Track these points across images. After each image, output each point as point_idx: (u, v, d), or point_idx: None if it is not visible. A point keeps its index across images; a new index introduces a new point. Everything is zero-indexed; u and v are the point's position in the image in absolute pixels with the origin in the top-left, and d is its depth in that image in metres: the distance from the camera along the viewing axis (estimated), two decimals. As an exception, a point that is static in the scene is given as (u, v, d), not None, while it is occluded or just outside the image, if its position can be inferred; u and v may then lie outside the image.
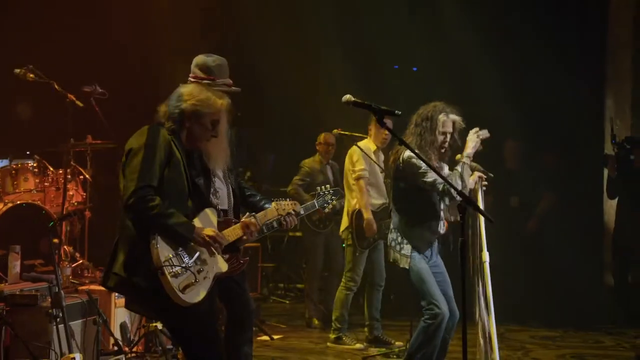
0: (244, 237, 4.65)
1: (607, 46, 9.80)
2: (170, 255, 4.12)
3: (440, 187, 5.44)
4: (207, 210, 4.46)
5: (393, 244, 5.71)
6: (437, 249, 5.84)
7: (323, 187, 5.27)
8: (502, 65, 9.46)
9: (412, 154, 5.40)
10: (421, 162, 5.32)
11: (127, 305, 4.61)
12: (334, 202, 5.24)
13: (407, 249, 5.61)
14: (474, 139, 5.63)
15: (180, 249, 4.19)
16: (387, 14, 10.38)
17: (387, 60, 10.88)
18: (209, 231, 4.29)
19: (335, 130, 7.84)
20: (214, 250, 4.31)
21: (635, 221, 8.73)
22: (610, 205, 9.42)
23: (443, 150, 5.68)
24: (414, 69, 11.18)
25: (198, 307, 4.18)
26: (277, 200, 4.99)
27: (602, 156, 9.30)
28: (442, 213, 5.74)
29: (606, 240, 9.61)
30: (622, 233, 8.97)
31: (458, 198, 5.07)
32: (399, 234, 5.69)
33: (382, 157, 7.75)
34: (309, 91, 10.29)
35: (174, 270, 4.09)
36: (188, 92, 4.41)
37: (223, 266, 4.44)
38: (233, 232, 4.58)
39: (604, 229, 9.69)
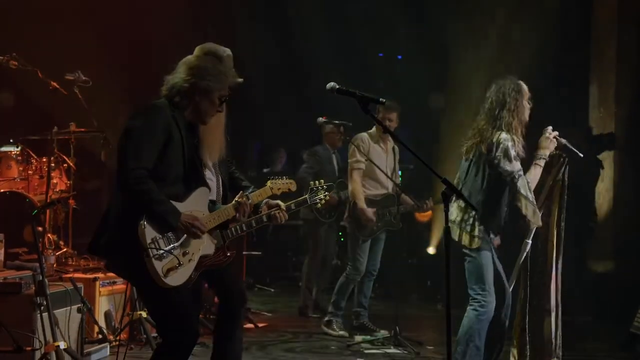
0: (237, 216, 4.61)
1: (592, 34, 9.82)
2: (157, 237, 4.09)
3: (515, 179, 5.41)
4: (201, 189, 4.38)
5: (463, 225, 5.60)
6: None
7: (317, 182, 5.17)
8: (485, 53, 9.47)
9: (507, 137, 5.41)
10: (513, 150, 5.36)
11: (108, 268, 4.58)
12: (327, 197, 5.17)
13: (479, 229, 5.51)
14: (547, 142, 5.61)
15: (168, 231, 4.16)
16: (371, 1, 10.37)
17: (372, 48, 10.87)
18: (192, 217, 4.22)
19: (320, 119, 7.82)
20: (197, 235, 4.26)
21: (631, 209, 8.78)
22: (598, 193, 9.45)
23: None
24: (399, 57, 11.18)
25: (178, 290, 4.15)
26: (272, 179, 4.96)
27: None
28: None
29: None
30: (613, 221, 9.02)
31: (530, 197, 5.28)
32: (469, 214, 5.59)
33: (390, 143, 7.75)
34: (294, 78, 10.28)
35: (158, 252, 4.07)
36: (200, 66, 4.31)
37: (210, 248, 4.41)
38: (224, 212, 4.54)
39: (588, 217, 9.72)
